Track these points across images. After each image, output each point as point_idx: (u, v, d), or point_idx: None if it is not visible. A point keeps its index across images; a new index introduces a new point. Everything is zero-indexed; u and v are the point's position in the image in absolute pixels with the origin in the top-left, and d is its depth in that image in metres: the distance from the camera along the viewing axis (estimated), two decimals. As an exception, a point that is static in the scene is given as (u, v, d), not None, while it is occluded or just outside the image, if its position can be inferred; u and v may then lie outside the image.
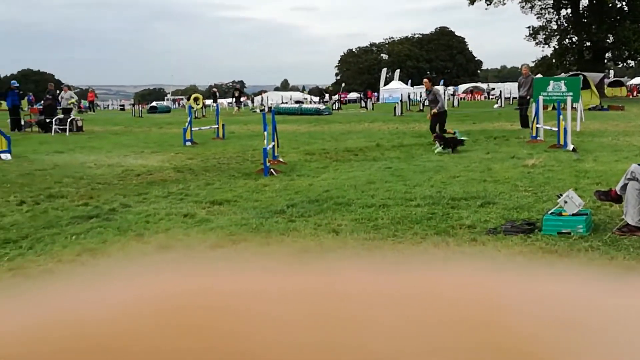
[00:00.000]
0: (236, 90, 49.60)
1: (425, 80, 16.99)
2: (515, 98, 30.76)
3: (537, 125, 15.60)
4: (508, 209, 7.37)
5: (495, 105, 41.55)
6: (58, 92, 28.13)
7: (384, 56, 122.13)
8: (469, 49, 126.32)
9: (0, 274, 5.32)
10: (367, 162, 12.50)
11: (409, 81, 73.64)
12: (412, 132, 20.32)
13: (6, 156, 14.43)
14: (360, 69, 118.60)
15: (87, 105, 53.99)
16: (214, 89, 57.69)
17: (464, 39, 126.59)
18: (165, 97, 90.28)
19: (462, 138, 14.19)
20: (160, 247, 6.12)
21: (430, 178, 9.91)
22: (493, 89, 69.84)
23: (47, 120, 24.19)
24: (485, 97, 67.59)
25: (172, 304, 0.33)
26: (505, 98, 43.88)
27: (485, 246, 5.81)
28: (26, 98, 37.75)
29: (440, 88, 15.97)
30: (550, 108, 21.13)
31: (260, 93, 79.42)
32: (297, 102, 51.66)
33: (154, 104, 57.79)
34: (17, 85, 27.14)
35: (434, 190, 8.77)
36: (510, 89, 47.70)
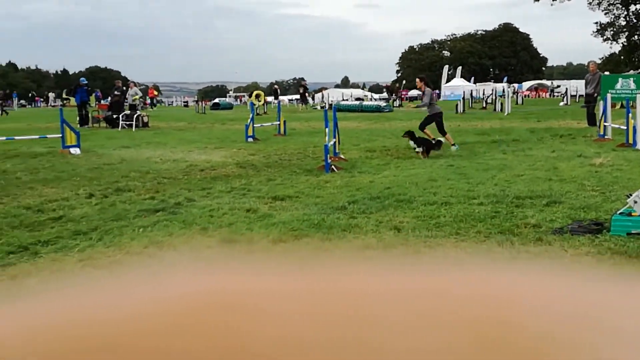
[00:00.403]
0: (301, 86, 49.81)
1: (417, 80, 15.42)
2: (582, 96, 29.98)
3: (605, 124, 15.19)
4: (575, 208, 7.20)
5: (561, 103, 40.64)
6: (124, 88, 28.80)
7: (446, 53, 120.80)
8: (534, 46, 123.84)
9: (71, 265, 5.50)
10: (429, 159, 12.40)
11: (472, 78, 72.65)
12: (474, 130, 20.07)
13: (75, 151, 14.89)
14: (422, 66, 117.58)
15: (150, 101, 55.21)
16: (276, 86, 58.11)
17: (528, 35, 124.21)
18: (228, 94, 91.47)
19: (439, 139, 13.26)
20: (224, 241, 6.22)
21: (494, 176, 9.77)
22: (558, 86, 68.25)
23: (114, 116, 24.83)
24: (549, 95, 66.10)
25: (201, 303, 0.33)
26: (571, 95, 42.86)
27: (551, 246, 5.69)
28: (94, 94, 38.75)
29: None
30: (618, 106, 20.55)
31: (320, 90, 79.58)
32: (357, 99, 51.58)
33: (216, 100, 58.63)
34: (86, 82, 27.88)
35: (498, 188, 8.64)
36: (577, 86, 46.60)
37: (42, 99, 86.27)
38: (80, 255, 5.79)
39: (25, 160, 13.44)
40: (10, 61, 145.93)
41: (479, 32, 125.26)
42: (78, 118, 25.74)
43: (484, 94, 46.52)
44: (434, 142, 13.17)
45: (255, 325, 0.32)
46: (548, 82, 79.41)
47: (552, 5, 58.70)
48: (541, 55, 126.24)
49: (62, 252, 5.85)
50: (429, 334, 0.33)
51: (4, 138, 16.52)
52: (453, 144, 13.95)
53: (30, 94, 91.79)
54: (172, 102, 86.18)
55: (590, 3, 59.13)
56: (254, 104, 29.91)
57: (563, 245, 5.72)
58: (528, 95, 64.02)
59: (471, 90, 46.90)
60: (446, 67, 73.17)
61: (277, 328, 0.32)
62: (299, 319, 0.33)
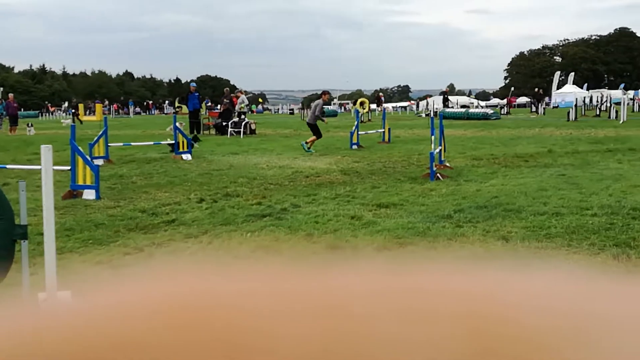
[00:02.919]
0: (444, 93, 49.25)
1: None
2: None
3: None
4: (698, 222, 6.79)
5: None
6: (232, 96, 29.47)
7: (557, 59, 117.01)
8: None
9: (183, 267, 5.69)
10: (539, 168, 12.03)
11: (585, 85, 69.96)
12: (587, 138, 19.29)
13: (187, 157, 15.45)
14: (532, 72, 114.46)
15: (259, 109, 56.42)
16: (380, 94, 58.15)
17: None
18: (332, 102, 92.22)
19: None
20: (329, 248, 6.27)
21: (609, 187, 9.35)
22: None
23: (224, 124, 25.54)
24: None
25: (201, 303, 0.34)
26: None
27: (671, 261, 5.40)
28: (204, 102, 39.95)
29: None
30: None
31: (425, 97, 78.92)
32: (463, 106, 50.76)
33: (321, 108, 59.12)
34: (196, 86, 28.48)
35: (613, 199, 8.27)
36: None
37: (155, 107, 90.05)
38: (191, 258, 5.99)
39: (141, 166, 14.06)
40: (127, 70, 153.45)
41: (593, 37, 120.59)
42: (189, 125, 26.43)
43: (597, 101, 44.66)
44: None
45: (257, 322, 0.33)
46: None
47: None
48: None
49: (175, 255, 6.08)
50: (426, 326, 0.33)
51: (121, 144, 17.38)
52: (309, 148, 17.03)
53: (145, 102, 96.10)
54: (278, 109, 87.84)
55: None
56: (359, 112, 30.00)
57: (685, 261, 5.41)
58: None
59: (584, 97, 45.11)
60: (557, 73, 70.93)
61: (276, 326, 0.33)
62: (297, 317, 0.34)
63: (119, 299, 0.36)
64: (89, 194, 9.47)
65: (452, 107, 45.34)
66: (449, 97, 49.05)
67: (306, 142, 17.21)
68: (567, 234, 6.46)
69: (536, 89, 58.41)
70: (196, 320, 0.32)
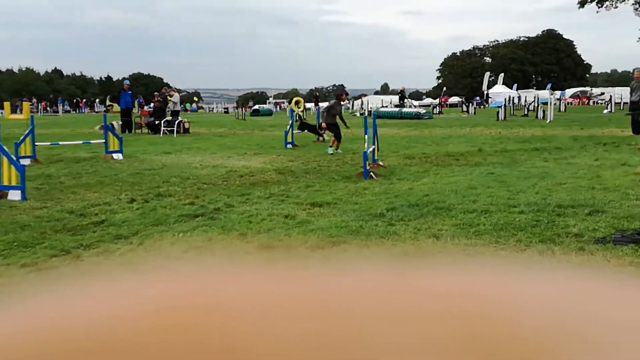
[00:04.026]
0: (400, 92, 49.05)
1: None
2: (627, 103, 29.39)
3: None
4: (618, 218, 7.06)
5: (605, 111, 39.89)
6: (166, 95, 28.98)
7: (488, 59, 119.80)
8: (578, 52, 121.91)
9: (113, 268, 5.57)
10: (469, 167, 12.29)
11: (514, 85, 71.81)
12: (515, 137, 19.83)
13: (118, 156, 15.13)
14: (463, 72, 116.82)
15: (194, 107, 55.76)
16: (316, 93, 58.33)
17: (572, 42, 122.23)
18: (267, 101, 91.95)
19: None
20: (262, 247, 6.25)
21: (535, 184, 9.63)
22: (602, 93, 66.99)
23: (157, 122, 25.13)
24: (588, 102, 64.90)
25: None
26: (615, 103, 42.06)
27: (593, 256, 5.59)
28: (137, 100, 39.12)
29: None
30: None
31: (360, 97, 79.46)
32: (396, 105, 51.37)
33: (256, 107, 59.05)
34: (129, 83, 27.90)
35: (539, 197, 8.52)
36: (621, 93, 45.80)
37: (87, 105, 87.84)
38: (121, 259, 5.88)
39: (69, 165, 13.70)
40: (56, 67, 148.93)
41: (522, 39, 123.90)
42: (121, 124, 25.93)
43: (525, 101, 45.92)
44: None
45: (241, 324, 0.33)
46: (589, 89, 78.01)
47: (597, 12, 57.74)
48: (585, 62, 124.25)
49: (104, 256, 5.95)
50: (417, 327, 0.33)
51: (49, 143, 16.89)
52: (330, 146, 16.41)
53: (75, 100, 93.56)
54: (213, 108, 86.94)
55: (636, 9, 58.09)
56: (294, 111, 30.00)
57: (606, 255, 5.62)
58: (571, 103, 62.96)
59: (513, 97, 46.29)
60: (487, 73, 72.54)
61: (262, 326, 0.32)
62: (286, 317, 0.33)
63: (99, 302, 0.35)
64: (14, 195, 9.17)
65: (411, 105, 45.64)
66: (405, 97, 49.24)
67: (330, 147, 16.46)
68: (495, 231, 6.62)
69: (483, 90, 60.17)
70: (183, 322, 0.31)
